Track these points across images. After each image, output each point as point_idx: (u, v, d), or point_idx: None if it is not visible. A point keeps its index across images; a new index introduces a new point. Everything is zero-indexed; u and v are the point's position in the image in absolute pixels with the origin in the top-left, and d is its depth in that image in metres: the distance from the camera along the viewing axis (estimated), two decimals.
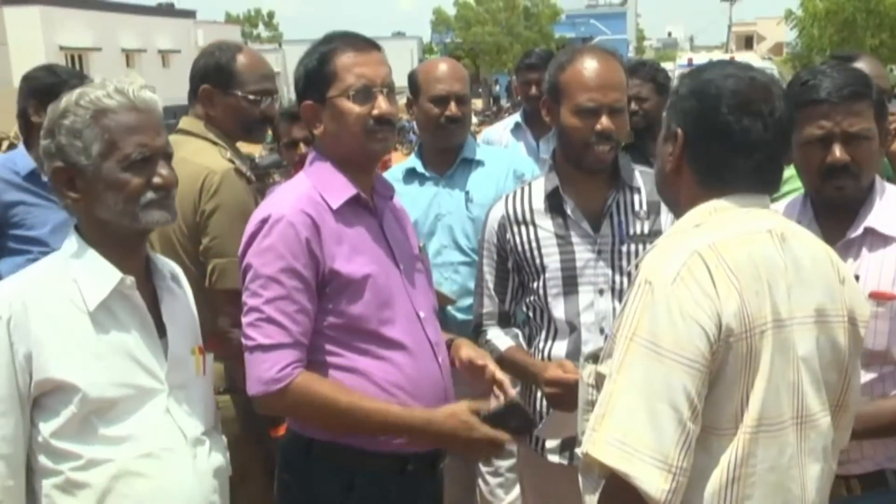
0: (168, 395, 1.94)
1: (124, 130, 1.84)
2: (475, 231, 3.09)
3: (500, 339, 2.64)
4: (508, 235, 2.58)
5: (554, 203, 2.53)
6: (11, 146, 16.31)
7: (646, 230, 2.47)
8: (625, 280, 2.44)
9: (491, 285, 2.65)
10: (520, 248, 2.56)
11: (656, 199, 2.38)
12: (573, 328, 2.50)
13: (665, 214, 2.46)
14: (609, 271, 2.45)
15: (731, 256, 1.62)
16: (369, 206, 2.27)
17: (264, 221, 2.13)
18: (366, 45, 2.24)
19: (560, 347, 2.52)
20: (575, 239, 2.49)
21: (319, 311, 2.16)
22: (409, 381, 2.19)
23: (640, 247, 2.44)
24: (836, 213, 2.26)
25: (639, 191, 2.52)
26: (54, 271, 1.89)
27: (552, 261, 2.51)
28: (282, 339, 2.11)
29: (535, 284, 2.54)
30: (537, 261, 2.53)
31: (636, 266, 1.73)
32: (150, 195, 1.87)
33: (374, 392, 2.15)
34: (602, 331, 2.44)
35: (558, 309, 2.51)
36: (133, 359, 1.89)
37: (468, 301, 3.04)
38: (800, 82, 2.24)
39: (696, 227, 1.70)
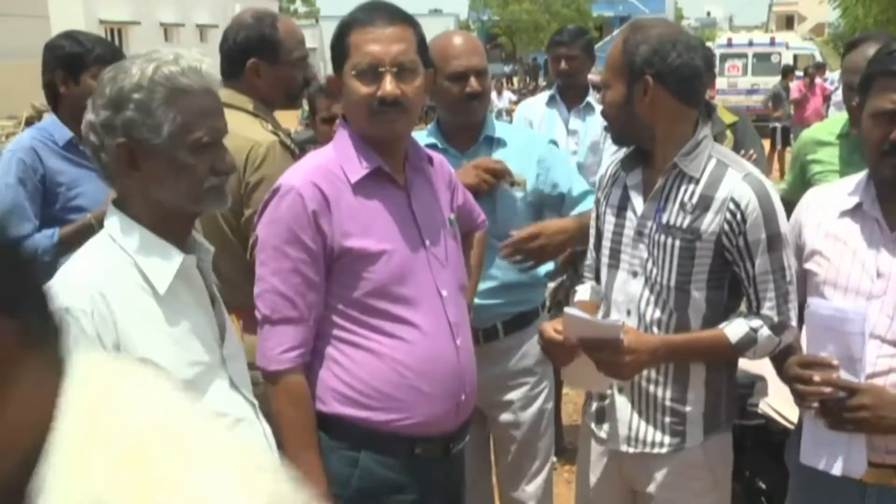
0: (227, 367, 1.94)
1: (199, 114, 1.79)
2: (497, 214, 2.99)
3: (581, 291, 2.63)
4: (600, 194, 2.55)
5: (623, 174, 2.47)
6: (28, 123, 16.39)
7: (684, 225, 2.28)
8: (654, 269, 2.32)
9: (593, 241, 2.62)
10: (598, 210, 2.55)
11: (710, 193, 2.25)
12: (607, 302, 2.46)
13: (711, 214, 2.25)
14: (644, 255, 2.35)
15: None
16: (396, 179, 2.24)
17: (276, 192, 2.16)
18: (385, 18, 2.16)
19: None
20: (629, 214, 2.40)
21: (330, 285, 2.16)
22: (419, 361, 2.17)
23: (671, 240, 2.29)
24: None
25: (697, 182, 2.28)
26: (115, 257, 1.82)
27: (608, 230, 2.46)
28: (288, 313, 2.13)
29: (598, 248, 2.54)
30: (601, 225, 2.52)
31: None
32: (213, 180, 1.83)
33: (382, 370, 2.15)
34: (629, 313, 2.37)
35: (603, 279, 2.49)
36: (199, 337, 1.89)
37: (487, 284, 2.97)
38: (887, 50, 2.14)
39: None
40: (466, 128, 3.09)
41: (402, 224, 2.21)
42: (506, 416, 3.10)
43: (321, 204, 2.11)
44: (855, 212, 2.24)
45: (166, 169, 1.79)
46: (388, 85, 2.12)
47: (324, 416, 2.18)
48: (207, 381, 1.88)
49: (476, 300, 2.95)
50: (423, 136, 3.11)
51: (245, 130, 2.69)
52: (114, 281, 1.77)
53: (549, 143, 3.23)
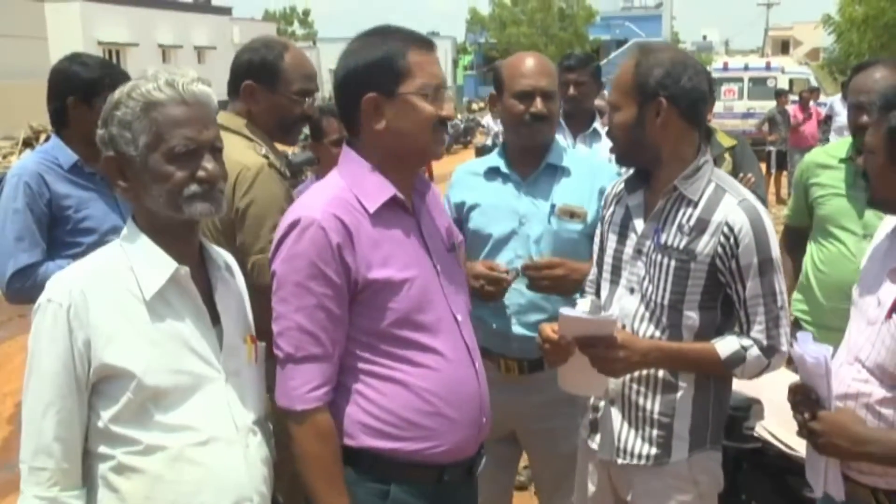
0: (224, 383, 1.97)
1: (171, 124, 1.88)
2: (553, 245, 2.97)
3: (582, 304, 2.67)
4: (604, 212, 2.62)
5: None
6: (26, 143, 16.38)
7: (681, 246, 2.34)
8: (650, 287, 2.40)
9: (596, 257, 2.67)
10: (602, 227, 2.62)
11: (707, 217, 2.32)
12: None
13: (707, 237, 2.32)
14: (642, 273, 2.42)
15: None
16: (407, 206, 2.22)
17: (293, 226, 2.08)
18: (429, 43, 2.21)
19: None
20: (630, 233, 2.48)
21: (353, 317, 2.11)
22: (445, 388, 2.15)
23: (667, 260, 2.36)
24: None
25: (695, 205, 2.35)
26: (112, 260, 1.93)
27: (610, 247, 2.54)
28: (313, 350, 2.07)
29: (601, 264, 2.60)
30: (604, 242, 2.58)
31: None
32: (193, 188, 1.90)
33: (410, 399, 2.12)
34: (624, 327, 2.41)
35: (603, 293, 2.55)
36: (188, 347, 1.92)
37: (535, 317, 2.94)
38: None
39: None
40: (530, 151, 3.06)
41: (417, 251, 2.20)
42: (547, 445, 3.09)
43: (344, 236, 2.06)
44: (891, 236, 2.28)
45: (147, 178, 1.90)
46: (448, 105, 2.18)
47: (350, 451, 2.13)
48: (188, 392, 1.92)
49: (523, 331, 2.98)
50: (490, 159, 3.13)
51: (235, 153, 2.66)
52: (101, 281, 1.89)
53: (616, 175, 3.16)
